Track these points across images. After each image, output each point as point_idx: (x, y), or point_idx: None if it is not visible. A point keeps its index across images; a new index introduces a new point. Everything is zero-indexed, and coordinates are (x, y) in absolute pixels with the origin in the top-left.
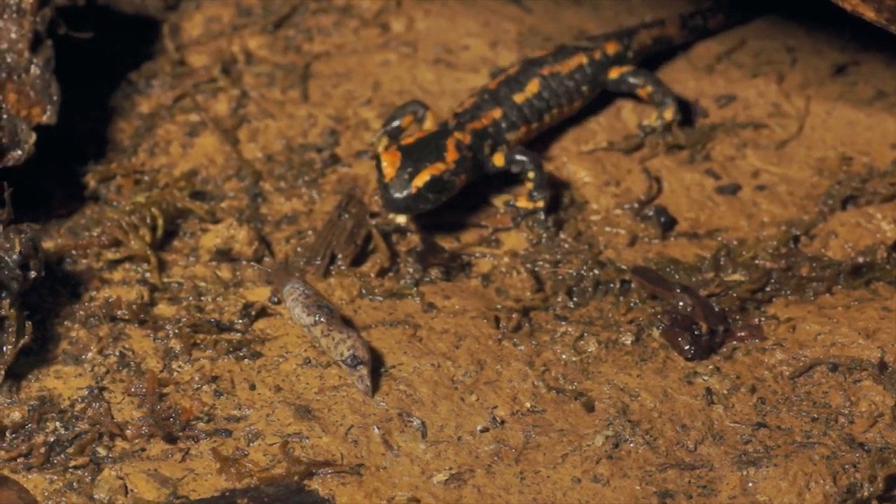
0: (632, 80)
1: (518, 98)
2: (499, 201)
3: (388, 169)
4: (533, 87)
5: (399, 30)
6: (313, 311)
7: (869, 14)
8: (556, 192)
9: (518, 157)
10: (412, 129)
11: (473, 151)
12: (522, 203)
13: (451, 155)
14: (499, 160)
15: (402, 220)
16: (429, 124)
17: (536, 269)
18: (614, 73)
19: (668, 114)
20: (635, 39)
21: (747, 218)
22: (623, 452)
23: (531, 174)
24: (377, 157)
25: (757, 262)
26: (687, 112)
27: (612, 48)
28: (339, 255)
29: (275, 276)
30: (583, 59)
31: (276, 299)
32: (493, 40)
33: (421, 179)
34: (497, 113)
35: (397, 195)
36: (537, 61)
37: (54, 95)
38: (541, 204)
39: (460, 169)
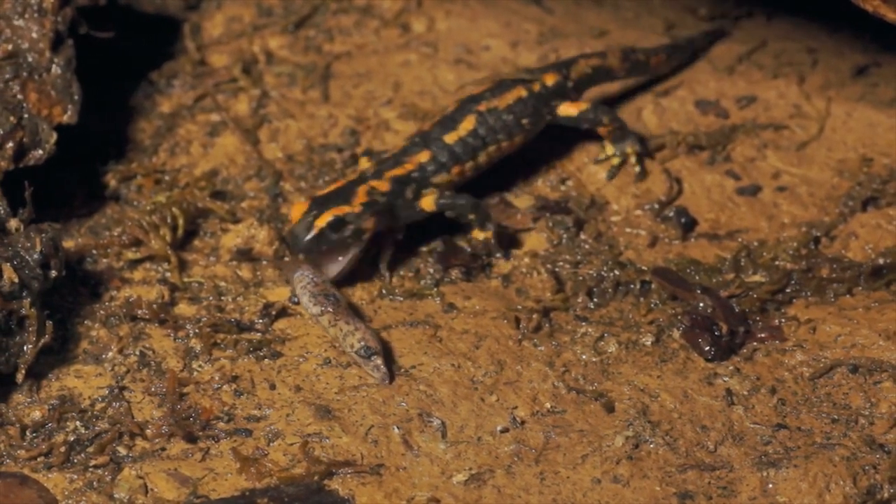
0: (591, 116)
1: (449, 138)
2: (520, 203)
3: (295, 215)
4: (468, 124)
5: (420, 30)
6: (320, 301)
7: (890, 15)
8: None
9: (448, 202)
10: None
11: (391, 198)
12: (475, 234)
13: (359, 199)
14: (427, 204)
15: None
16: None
17: (557, 269)
18: (571, 110)
19: (630, 148)
20: (574, 69)
21: (768, 219)
22: (643, 453)
23: (471, 216)
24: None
25: (777, 263)
26: (645, 145)
27: (550, 79)
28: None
29: (285, 264)
30: (522, 91)
31: (295, 299)
32: (514, 41)
33: (323, 220)
34: (424, 156)
35: (300, 236)
36: (475, 97)
37: (75, 95)
38: (489, 234)
39: (367, 213)
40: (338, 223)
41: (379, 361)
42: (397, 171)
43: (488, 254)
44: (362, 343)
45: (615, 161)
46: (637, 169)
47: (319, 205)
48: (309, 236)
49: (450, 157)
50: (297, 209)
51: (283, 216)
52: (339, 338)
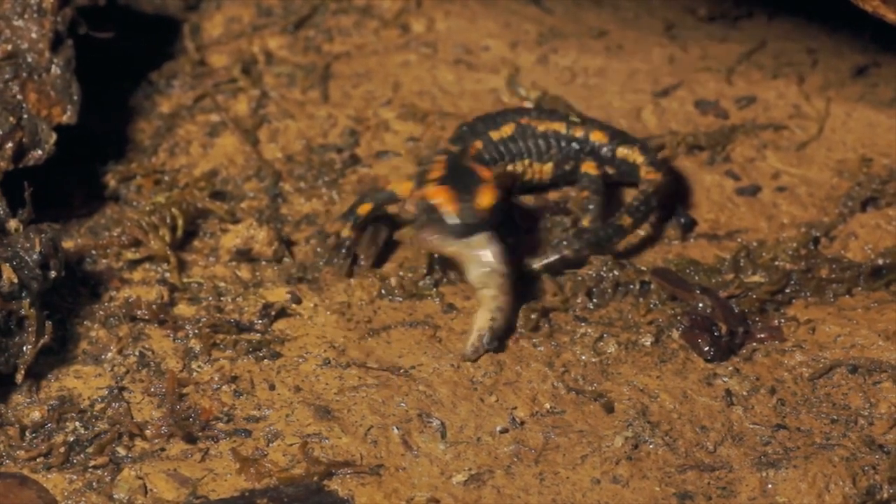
0: (586, 182)
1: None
2: (526, 199)
3: (439, 201)
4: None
5: (419, 30)
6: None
7: (890, 16)
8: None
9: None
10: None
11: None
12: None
13: (491, 173)
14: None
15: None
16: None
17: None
18: (585, 168)
19: (586, 221)
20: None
21: (767, 219)
22: (642, 453)
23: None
24: (427, 205)
25: (777, 263)
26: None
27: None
28: (361, 256)
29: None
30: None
31: (297, 299)
32: (514, 41)
33: (488, 201)
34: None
35: (466, 221)
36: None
37: (75, 95)
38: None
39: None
40: (499, 203)
41: (483, 351)
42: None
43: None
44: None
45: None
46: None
47: (463, 183)
48: (480, 219)
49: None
50: (436, 193)
51: (283, 216)
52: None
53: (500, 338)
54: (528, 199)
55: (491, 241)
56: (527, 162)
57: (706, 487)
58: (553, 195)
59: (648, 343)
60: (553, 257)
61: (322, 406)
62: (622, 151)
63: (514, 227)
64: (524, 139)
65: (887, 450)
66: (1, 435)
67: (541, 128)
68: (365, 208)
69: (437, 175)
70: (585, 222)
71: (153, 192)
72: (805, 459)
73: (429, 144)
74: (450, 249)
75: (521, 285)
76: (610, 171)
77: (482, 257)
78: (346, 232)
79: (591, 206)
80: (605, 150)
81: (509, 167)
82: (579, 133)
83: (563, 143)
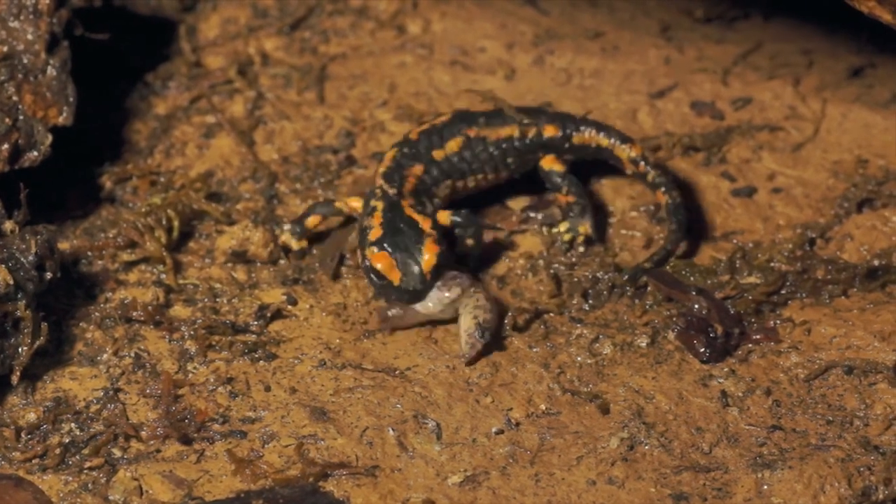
0: (558, 180)
1: (437, 154)
2: (515, 204)
3: (386, 269)
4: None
5: (415, 31)
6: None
7: (886, 17)
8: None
9: (461, 219)
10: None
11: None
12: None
13: (429, 236)
14: (444, 219)
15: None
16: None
17: (552, 271)
18: (546, 164)
19: (583, 228)
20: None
21: (763, 220)
22: (638, 455)
23: (469, 241)
24: (370, 268)
25: (772, 264)
26: (602, 230)
27: (550, 131)
28: (348, 256)
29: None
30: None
31: (293, 300)
32: (510, 42)
33: (429, 265)
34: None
35: (418, 287)
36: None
37: (70, 97)
38: (477, 251)
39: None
40: (441, 261)
41: (479, 346)
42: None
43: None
44: (480, 322)
45: (566, 237)
46: (581, 249)
47: (401, 250)
48: (428, 283)
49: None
50: (379, 260)
51: (278, 218)
52: (464, 306)
53: (493, 332)
54: (518, 204)
55: (441, 287)
56: (480, 176)
57: (702, 489)
58: (549, 196)
59: (644, 344)
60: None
61: (318, 407)
62: (579, 138)
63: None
64: (474, 153)
65: (883, 451)
66: None
67: (492, 137)
68: (313, 221)
69: (376, 235)
70: (583, 229)
71: (149, 194)
72: (800, 460)
73: None
74: (410, 321)
75: (518, 286)
76: (570, 158)
77: (444, 300)
78: (296, 245)
79: (575, 208)
80: (560, 141)
81: (459, 183)
82: (532, 133)
83: (518, 149)
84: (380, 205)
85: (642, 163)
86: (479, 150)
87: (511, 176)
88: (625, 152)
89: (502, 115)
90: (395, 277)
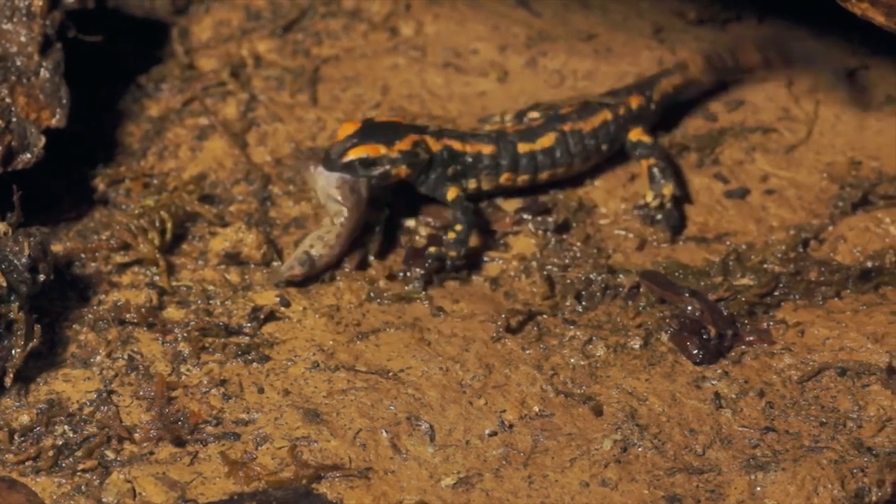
0: (646, 151)
1: (523, 147)
2: (508, 206)
3: (340, 133)
4: (546, 141)
5: (408, 34)
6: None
7: (879, 19)
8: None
9: (459, 209)
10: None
11: (432, 162)
12: (434, 249)
13: (402, 145)
14: (451, 194)
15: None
16: None
17: (545, 272)
18: (636, 136)
19: (667, 190)
20: (656, 89)
21: (756, 222)
22: (631, 456)
23: (459, 228)
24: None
25: (766, 266)
26: (684, 187)
27: (635, 102)
28: (346, 259)
29: (303, 163)
30: (607, 115)
31: (286, 302)
32: (502, 44)
33: (357, 153)
34: (487, 149)
35: (333, 159)
36: (561, 117)
37: (64, 99)
38: (453, 254)
39: (402, 161)
40: (370, 162)
41: (297, 271)
42: (455, 144)
43: (437, 268)
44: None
45: (654, 203)
46: (669, 207)
47: (365, 134)
48: (336, 161)
49: (510, 163)
50: (344, 129)
51: (272, 220)
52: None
53: (318, 269)
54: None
55: (346, 183)
56: (560, 170)
57: (695, 490)
58: (541, 197)
59: (637, 346)
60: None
61: (311, 409)
62: (658, 92)
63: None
64: (564, 149)
65: (876, 452)
66: None
67: (588, 128)
68: None
69: (382, 119)
70: (668, 191)
71: (142, 196)
72: (794, 462)
73: None
74: (311, 174)
75: (511, 288)
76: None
77: (329, 190)
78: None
79: (666, 167)
80: (646, 105)
81: (522, 178)
82: (622, 111)
83: (612, 133)
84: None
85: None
86: (574, 143)
87: (599, 161)
88: (694, 69)
89: (591, 106)
90: (339, 135)
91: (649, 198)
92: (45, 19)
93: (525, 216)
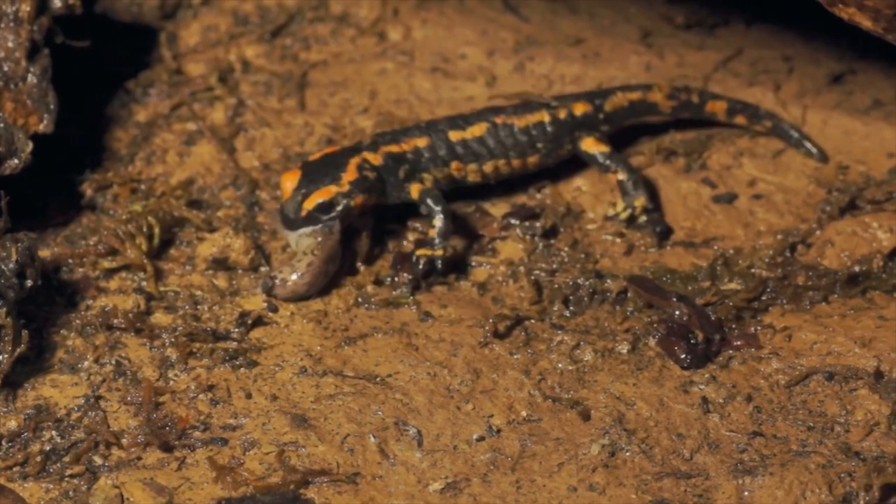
0: (605, 161)
1: (454, 135)
2: (496, 211)
3: (285, 187)
4: (477, 130)
5: (396, 38)
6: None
7: (866, 23)
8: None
9: (430, 198)
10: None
11: (381, 174)
12: (422, 252)
13: (349, 175)
14: (414, 191)
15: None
16: None
17: (533, 277)
18: (590, 146)
19: (638, 202)
20: (608, 101)
21: (744, 227)
22: (619, 461)
23: (436, 221)
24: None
25: (753, 271)
26: (656, 199)
27: (580, 108)
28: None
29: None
30: (545, 115)
31: (273, 307)
32: (491, 49)
33: (311, 202)
34: (422, 142)
35: (290, 216)
36: (496, 109)
37: (51, 104)
38: (440, 252)
39: (356, 190)
40: (326, 206)
41: (262, 293)
42: (392, 148)
43: (426, 272)
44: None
45: (624, 215)
46: (643, 220)
47: (309, 180)
48: (296, 218)
49: (448, 153)
50: (287, 180)
51: (260, 225)
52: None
53: (279, 293)
54: (499, 210)
55: (315, 232)
56: (501, 162)
57: (683, 495)
58: (529, 202)
59: (625, 351)
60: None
61: (299, 414)
62: (610, 104)
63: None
64: (497, 139)
65: (863, 457)
66: None
67: (520, 123)
68: None
69: (316, 157)
70: (639, 202)
71: (130, 201)
72: (781, 467)
73: None
74: (282, 234)
75: (499, 293)
76: (607, 130)
77: (302, 242)
78: None
79: (635, 179)
80: (594, 114)
81: (468, 167)
82: (563, 115)
83: (549, 134)
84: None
85: (682, 94)
86: (505, 136)
87: (542, 163)
88: (658, 93)
89: (531, 104)
90: (284, 194)
91: (619, 208)
92: (33, 25)
93: (513, 221)
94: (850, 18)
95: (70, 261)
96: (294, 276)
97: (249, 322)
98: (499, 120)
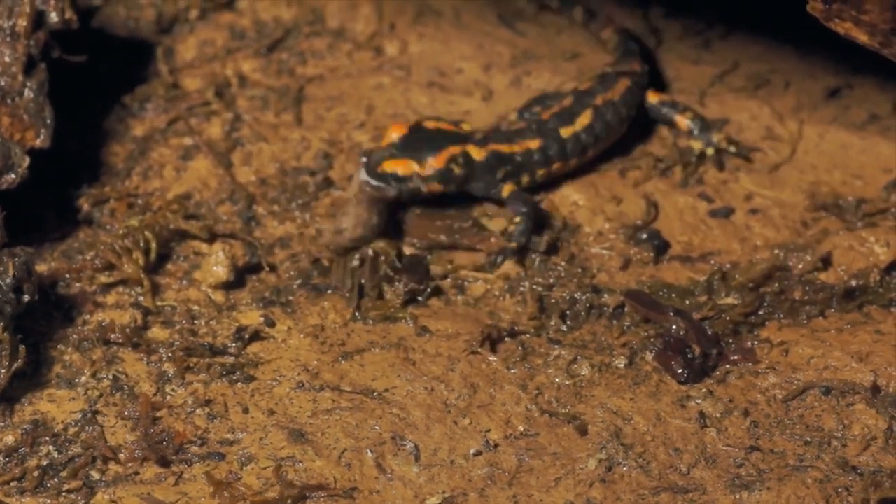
0: (675, 107)
1: (565, 132)
2: (494, 225)
3: (385, 138)
4: (585, 119)
5: (392, 53)
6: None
7: (862, 38)
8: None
9: (516, 201)
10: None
11: (476, 171)
12: (499, 242)
13: (435, 163)
14: (505, 192)
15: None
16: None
17: (529, 292)
18: (654, 99)
19: (717, 136)
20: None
21: (740, 241)
22: (616, 476)
23: (519, 220)
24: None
25: (750, 285)
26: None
27: (637, 65)
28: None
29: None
30: (626, 81)
31: (270, 322)
32: (487, 63)
33: (390, 166)
34: (534, 143)
35: (370, 164)
36: (587, 93)
37: (48, 119)
38: (514, 245)
39: (434, 179)
40: (400, 178)
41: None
42: (503, 148)
43: (500, 258)
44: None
45: (709, 152)
46: (733, 149)
47: (406, 144)
48: (370, 172)
49: (558, 151)
50: (393, 131)
51: (257, 240)
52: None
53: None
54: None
55: (376, 188)
56: (601, 143)
57: None
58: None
59: (622, 365)
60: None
61: (296, 429)
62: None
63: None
64: (603, 122)
65: (861, 471)
66: None
67: (616, 96)
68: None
69: (431, 125)
70: (718, 136)
71: (126, 216)
72: (778, 481)
73: None
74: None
75: (495, 308)
76: None
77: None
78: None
79: (701, 116)
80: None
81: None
82: (638, 77)
83: (633, 98)
84: (465, 125)
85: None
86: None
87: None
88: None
89: (609, 76)
90: (384, 139)
91: (697, 147)
92: (30, 40)
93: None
94: (846, 33)
95: (67, 276)
96: (344, 223)
97: (246, 337)
98: (599, 100)
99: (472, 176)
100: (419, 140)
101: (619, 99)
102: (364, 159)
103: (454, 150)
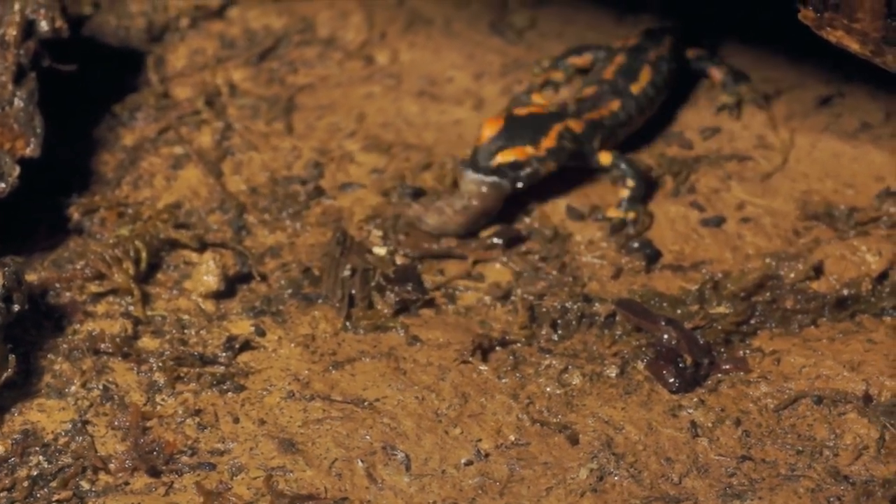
0: (711, 59)
1: (635, 88)
2: (484, 233)
3: (485, 133)
4: (646, 74)
5: (383, 62)
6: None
7: (854, 46)
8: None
9: (622, 165)
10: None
11: (580, 142)
12: (612, 213)
13: (548, 142)
14: (605, 159)
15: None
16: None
17: (520, 301)
18: (694, 55)
19: (744, 89)
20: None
21: (732, 250)
22: (607, 485)
23: (630, 182)
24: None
25: (741, 294)
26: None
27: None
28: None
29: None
30: (670, 38)
31: (261, 331)
32: (478, 72)
33: (506, 157)
34: (615, 105)
35: (479, 161)
36: (639, 48)
37: (38, 128)
38: (632, 216)
39: (550, 158)
40: (518, 165)
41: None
42: (593, 115)
43: (618, 229)
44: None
45: (731, 101)
46: (751, 96)
47: (510, 134)
48: (487, 167)
49: (635, 108)
50: (488, 127)
51: (247, 249)
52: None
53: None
54: (487, 233)
55: (493, 184)
56: (658, 102)
57: None
58: (517, 226)
59: (613, 375)
60: None
61: (286, 439)
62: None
63: None
64: (662, 77)
65: (852, 481)
66: None
67: (665, 52)
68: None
69: (522, 112)
70: (745, 88)
71: (117, 225)
72: (770, 491)
73: (393, 176)
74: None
75: (486, 317)
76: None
77: (474, 187)
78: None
79: (733, 69)
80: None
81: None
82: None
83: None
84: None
85: None
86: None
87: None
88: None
89: (654, 31)
90: (482, 139)
91: (725, 100)
92: (20, 49)
93: (496, 241)
94: (838, 41)
95: (57, 285)
96: (450, 211)
97: (237, 346)
98: (652, 55)
99: (579, 148)
100: (521, 127)
101: (667, 54)
102: (467, 164)
103: (559, 126)
